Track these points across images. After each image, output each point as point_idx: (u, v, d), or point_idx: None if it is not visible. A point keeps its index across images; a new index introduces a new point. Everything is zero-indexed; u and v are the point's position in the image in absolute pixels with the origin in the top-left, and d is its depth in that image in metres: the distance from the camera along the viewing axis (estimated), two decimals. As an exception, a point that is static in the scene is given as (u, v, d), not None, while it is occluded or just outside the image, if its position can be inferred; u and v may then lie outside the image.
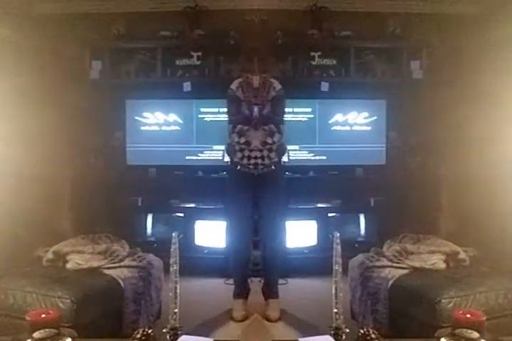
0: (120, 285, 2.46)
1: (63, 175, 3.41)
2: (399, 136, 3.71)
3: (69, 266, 2.57)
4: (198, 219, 3.36)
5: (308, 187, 3.54)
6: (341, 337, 1.71)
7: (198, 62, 3.82)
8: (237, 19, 3.52)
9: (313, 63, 3.76)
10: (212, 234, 3.29)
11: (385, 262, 2.57)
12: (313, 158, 3.78)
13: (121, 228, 3.14)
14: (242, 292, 2.63)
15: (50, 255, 2.58)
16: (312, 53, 3.77)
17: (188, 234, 3.23)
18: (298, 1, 3.73)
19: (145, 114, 3.60)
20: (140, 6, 3.84)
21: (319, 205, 3.60)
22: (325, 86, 3.66)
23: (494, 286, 2.28)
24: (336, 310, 2.15)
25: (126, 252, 2.70)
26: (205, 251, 3.47)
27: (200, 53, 3.82)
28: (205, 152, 3.73)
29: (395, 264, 2.55)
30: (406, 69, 3.73)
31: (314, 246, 3.50)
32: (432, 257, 2.56)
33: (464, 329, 1.68)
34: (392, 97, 3.64)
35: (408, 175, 3.64)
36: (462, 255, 2.56)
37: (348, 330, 1.70)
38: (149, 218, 3.54)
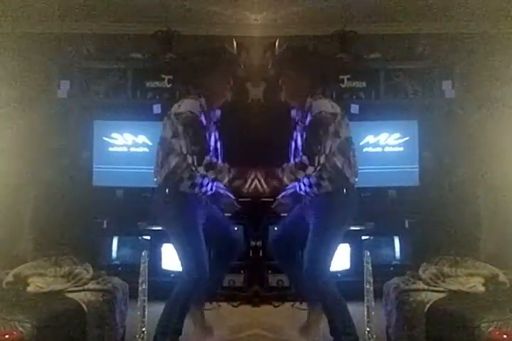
0: (83, 309, 2.55)
1: (25, 194, 3.32)
2: (432, 156, 4.01)
3: (30, 289, 2.68)
4: (165, 243, 3.32)
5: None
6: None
7: (169, 85, 4.12)
8: (209, 44, 3.60)
9: (343, 86, 4.11)
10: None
11: (422, 285, 2.70)
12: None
13: (86, 250, 3.30)
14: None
15: (10, 278, 2.71)
16: (341, 76, 4.10)
17: (154, 257, 3.25)
18: (326, 27, 4.17)
19: (113, 135, 3.78)
20: (111, 28, 4.27)
21: (352, 228, 3.63)
22: (355, 108, 3.97)
23: (536, 310, 2.41)
24: (368, 329, 2.16)
25: (90, 275, 2.81)
26: (172, 275, 3.59)
27: (171, 76, 4.12)
28: (173, 175, 3.61)
29: (431, 288, 2.67)
30: (438, 89, 4.10)
31: (347, 270, 3.75)
32: (470, 280, 2.68)
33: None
34: (424, 118, 3.99)
35: (443, 196, 3.88)
36: (502, 278, 2.70)
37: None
38: (115, 241, 3.57)
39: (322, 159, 2.50)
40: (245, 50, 3.94)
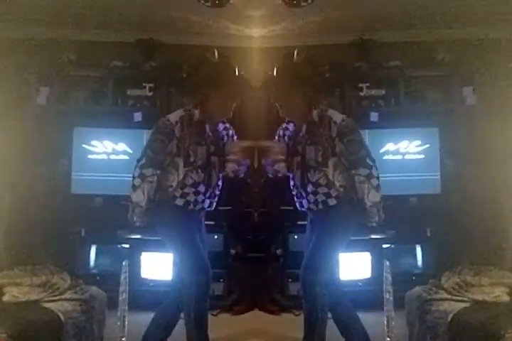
0: (60, 319, 2.48)
1: (1, 201, 3.26)
2: (454, 163, 3.99)
3: (5, 298, 2.62)
4: (144, 251, 3.38)
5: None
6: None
7: (150, 93, 4.19)
8: (191, 54, 3.62)
9: (362, 94, 4.20)
10: (158, 266, 3.23)
11: (444, 295, 2.69)
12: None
13: (63, 259, 3.44)
14: None
15: (-15, 287, 2.44)
16: (360, 84, 4.20)
17: (133, 266, 3.26)
18: (345, 36, 4.18)
19: (93, 142, 3.86)
20: (93, 35, 4.27)
21: (373, 236, 3.75)
22: (374, 116, 4.02)
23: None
24: (388, 339, 2.13)
25: (68, 285, 2.79)
26: (151, 284, 3.72)
27: (152, 84, 4.17)
28: (153, 183, 3.60)
29: (454, 297, 2.65)
30: (458, 95, 4.13)
31: (369, 278, 3.78)
32: (494, 289, 2.66)
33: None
34: (445, 124, 4.00)
35: (466, 203, 3.83)
36: (527, 287, 2.85)
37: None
38: (93, 249, 3.60)
39: (372, 155, 2.55)
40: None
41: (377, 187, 2.49)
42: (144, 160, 2.48)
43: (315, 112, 2.58)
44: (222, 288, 3.72)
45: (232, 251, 3.79)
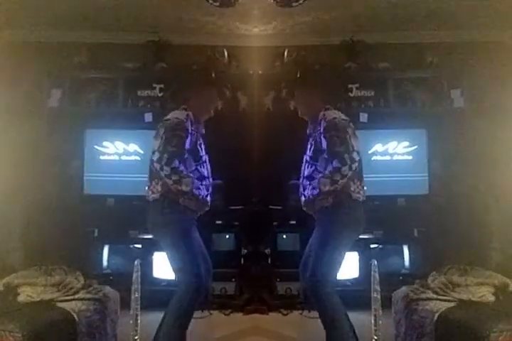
0: (74, 319, 2.55)
1: (15, 203, 3.30)
2: (442, 165, 4.05)
3: (20, 298, 2.67)
4: (156, 251, 3.74)
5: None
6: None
7: (160, 94, 4.22)
8: (200, 54, 3.60)
9: (351, 95, 4.21)
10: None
11: (431, 294, 2.72)
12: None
13: (76, 259, 3.43)
14: None
15: (0, 287, 2.72)
16: (350, 85, 4.22)
17: (145, 265, 3.29)
18: (335, 36, 4.21)
19: (105, 144, 4.14)
20: (104, 38, 4.29)
21: (361, 236, 3.58)
22: (363, 117, 4.03)
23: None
24: (375, 338, 2.13)
25: (81, 284, 2.84)
26: (163, 284, 3.76)
27: (162, 85, 4.20)
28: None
29: (440, 297, 2.69)
30: (447, 98, 4.15)
31: (356, 278, 3.85)
32: (479, 289, 2.70)
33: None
34: (433, 126, 4.03)
35: (453, 204, 3.88)
36: (512, 287, 2.83)
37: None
38: (106, 249, 3.64)
39: (355, 156, 2.53)
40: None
41: (333, 181, 2.43)
42: (166, 155, 2.46)
43: (321, 113, 2.66)
44: (234, 288, 3.73)
45: (244, 251, 3.78)
